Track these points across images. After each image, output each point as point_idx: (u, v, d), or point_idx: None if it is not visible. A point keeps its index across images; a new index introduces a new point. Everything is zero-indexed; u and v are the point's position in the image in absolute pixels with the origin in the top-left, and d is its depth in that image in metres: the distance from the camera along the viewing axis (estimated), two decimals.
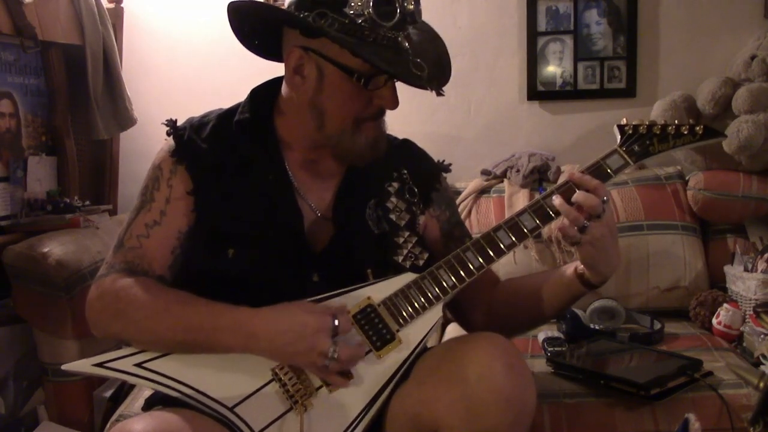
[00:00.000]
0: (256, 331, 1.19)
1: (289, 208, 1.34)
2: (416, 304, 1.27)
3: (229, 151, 1.35)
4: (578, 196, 1.28)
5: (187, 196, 1.33)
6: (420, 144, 1.55)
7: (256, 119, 1.37)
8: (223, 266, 1.29)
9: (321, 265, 1.32)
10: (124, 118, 2.42)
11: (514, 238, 1.31)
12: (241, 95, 1.43)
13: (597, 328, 1.98)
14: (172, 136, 1.37)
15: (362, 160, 1.34)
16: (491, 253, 1.30)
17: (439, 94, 1.30)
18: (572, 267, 1.37)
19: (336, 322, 1.19)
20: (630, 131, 1.38)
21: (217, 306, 1.22)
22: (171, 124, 1.38)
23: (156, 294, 1.25)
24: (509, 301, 1.43)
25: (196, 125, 1.38)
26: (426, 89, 1.27)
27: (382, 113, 1.32)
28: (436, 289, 1.28)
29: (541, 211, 1.32)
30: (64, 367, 1.27)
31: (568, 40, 2.53)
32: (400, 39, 1.25)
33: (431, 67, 1.27)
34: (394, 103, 1.30)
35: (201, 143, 1.35)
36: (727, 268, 2.14)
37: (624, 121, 1.40)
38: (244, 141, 1.36)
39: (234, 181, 1.34)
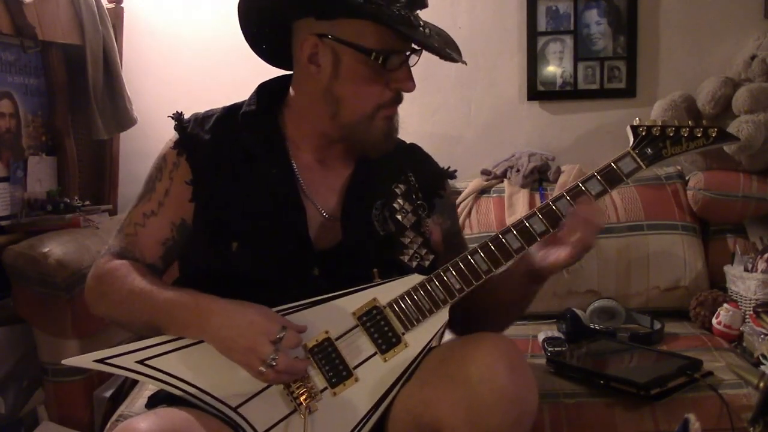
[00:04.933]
0: (210, 316, 1.21)
1: (292, 205, 1.33)
2: (423, 308, 1.26)
3: (232, 143, 1.35)
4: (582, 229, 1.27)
5: (186, 187, 1.34)
6: (420, 144, 1.55)
7: (262, 112, 1.37)
8: (227, 260, 1.30)
9: (323, 261, 1.32)
10: (124, 118, 2.42)
11: (522, 242, 1.29)
12: (241, 95, 1.43)
13: (597, 328, 1.98)
14: (176, 127, 1.38)
15: (376, 152, 1.35)
16: (499, 256, 1.28)
17: (463, 62, 1.32)
18: (521, 269, 1.34)
19: (282, 334, 1.18)
20: (643, 133, 1.33)
21: (182, 290, 1.27)
22: (177, 116, 1.38)
23: (136, 277, 1.29)
24: (483, 298, 1.38)
25: (201, 118, 1.39)
26: (450, 59, 1.29)
27: (399, 99, 1.32)
28: (444, 292, 1.27)
29: (551, 215, 1.29)
30: (65, 361, 1.27)
31: (568, 40, 2.53)
32: (412, 18, 1.26)
33: (444, 44, 1.30)
34: (411, 84, 1.30)
35: (204, 135, 1.36)
36: (727, 268, 2.14)
37: (637, 122, 1.35)
38: (249, 134, 1.36)
39: (237, 174, 1.34)
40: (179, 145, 1.36)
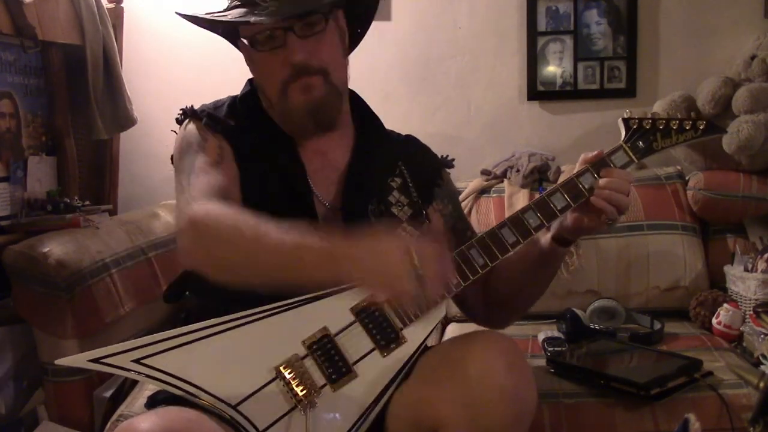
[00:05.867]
0: (344, 260, 1.10)
1: (302, 193, 1.36)
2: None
3: (243, 132, 1.38)
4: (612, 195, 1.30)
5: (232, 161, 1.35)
6: None
7: (260, 108, 1.40)
8: None
9: None
10: (124, 118, 2.42)
11: (518, 236, 1.30)
12: None
13: (597, 328, 1.98)
14: (192, 118, 1.40)
15: (304, 128, 1.36)
16: (495, 251, 1.30)
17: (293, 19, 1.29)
18: (546, 235, 1.36)
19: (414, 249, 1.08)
20: (635, 126, 1.35)
21: (303, 229, 1.13)
22: (189, 109, 1.41)
23: (259, 220, 1.16)
24: (503, 277, 1.40)
25: (211, 106, 1.42)
26: (254, 24, 1.29)
27: (301, 70, 1.30)
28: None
29: (547, 209, 1.31)
30: (58, 361, 1.23)
31: (568, 40, 2.53)
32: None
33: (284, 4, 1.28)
34: (293, 56, 1.29)
35: (223, 117, 1.39)
36: (727, 268, 2.14)
37: (628, 114, 1.37)
38: (255, 127, 1.38)
39: (253, 160, 1.36)
40: (209, 125, 1.37)
